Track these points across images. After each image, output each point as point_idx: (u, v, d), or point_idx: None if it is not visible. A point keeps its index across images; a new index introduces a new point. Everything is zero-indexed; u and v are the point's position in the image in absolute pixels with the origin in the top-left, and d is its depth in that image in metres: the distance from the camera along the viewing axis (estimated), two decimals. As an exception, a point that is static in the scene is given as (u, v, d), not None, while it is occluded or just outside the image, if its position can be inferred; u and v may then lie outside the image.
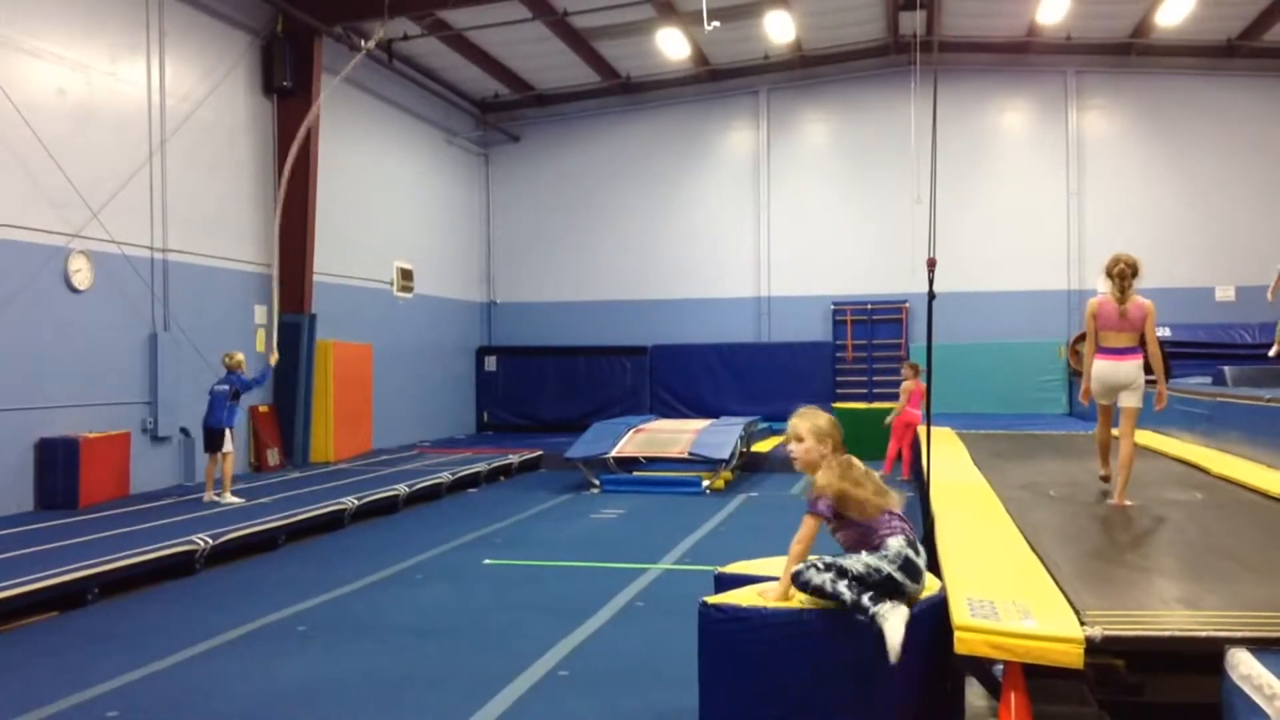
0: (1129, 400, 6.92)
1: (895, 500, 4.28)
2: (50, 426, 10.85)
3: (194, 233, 13.13)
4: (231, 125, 14.04)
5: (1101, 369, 6.95)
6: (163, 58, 12.62)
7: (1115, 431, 7.15)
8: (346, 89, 16.55)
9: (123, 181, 11.95)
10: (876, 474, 4.35)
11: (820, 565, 4.01)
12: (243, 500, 10.88)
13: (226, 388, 10.99)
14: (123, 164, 12.00)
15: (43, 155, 10.74)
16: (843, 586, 3.92)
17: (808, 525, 4.19)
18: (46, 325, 10.87)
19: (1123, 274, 6.73)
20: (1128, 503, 6.76)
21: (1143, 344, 6.86)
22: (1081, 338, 6.88)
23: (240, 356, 11.36)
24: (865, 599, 3.88)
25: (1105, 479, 7.36)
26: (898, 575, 3.99)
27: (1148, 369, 6.92)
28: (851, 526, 4.18)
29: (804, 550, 4.15)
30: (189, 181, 13.06)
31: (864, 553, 4.06)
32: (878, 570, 3.97)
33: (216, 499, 10.81)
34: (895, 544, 4.07)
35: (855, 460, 4.31)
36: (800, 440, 4.32)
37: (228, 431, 10.98)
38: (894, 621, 3.82)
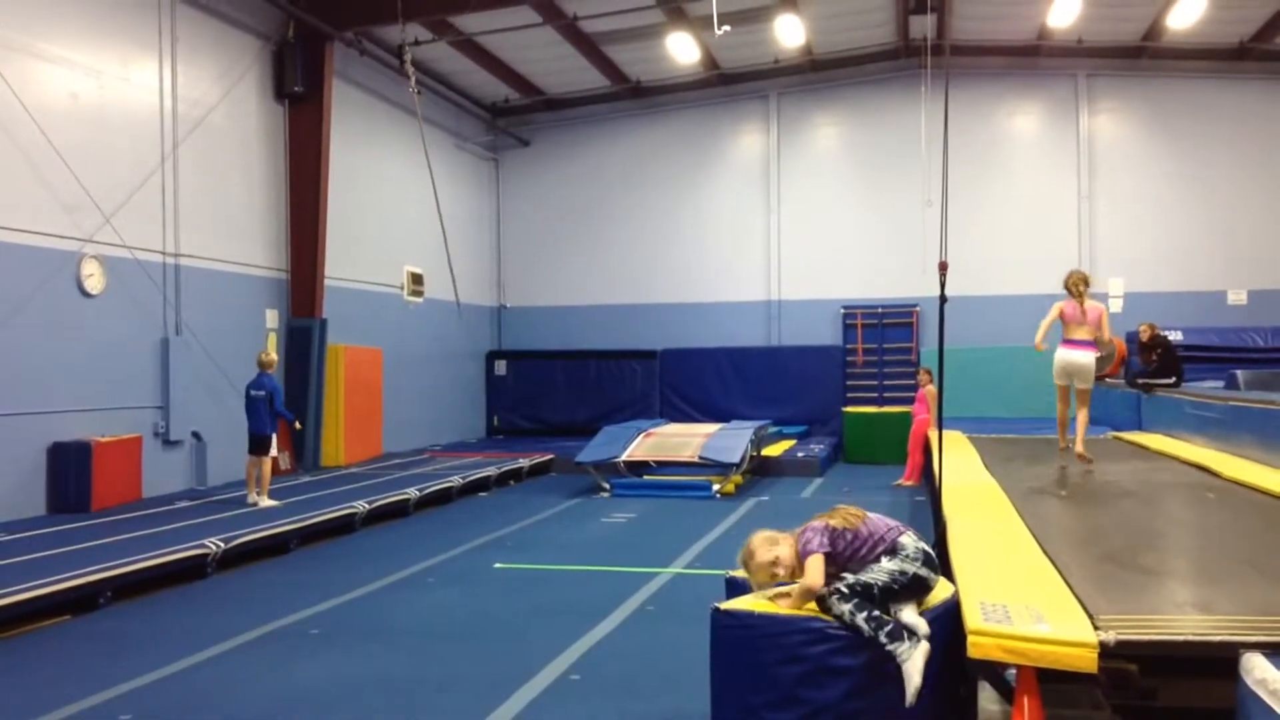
0: (1082, 383, 8.94)
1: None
2: (63, 431, 10.89)
3: (206, 237, 13.18)
4: (243, 130, 14.09)
5: (1063, 355, 8.85)
6: (175, 63, 12.68)
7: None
8: (357, 94, 16.62)
9: (135, 186, 12.01)
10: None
11: (844, 590, 3.97)
12: (278, 502, 11.02)
13: (263, 393, 11.10)
14: (135, 169, 12.06)
15: (55, 160, 10.80)
16: (861, 620, 3.89)
17: (814, 564, 4.04)
18: (59, 329, 10.92)
19: (1076, 283, 8.64)
20: (1089, 458, 8.89)
21: (1098, 342, 8.87)
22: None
23: (274, 355, 11.52)
24: (882, 635, 3.86)
25: (1064, 449, 9.23)
26: (922, 572, 4.04)
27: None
28: (853, 551, 4.11)
29: (815, 585, 4.02)
30: (201, 186, 13.11)
31: (884, 559, 4.05)
32: (903, 574, 4.00)
33: (256, 500, 10.95)
34: (909, 541, 4.10)
35: None
36: (781, 556, 4.15)
37: (273, 436, 11.11)
38: (914, 662, 3.82)
